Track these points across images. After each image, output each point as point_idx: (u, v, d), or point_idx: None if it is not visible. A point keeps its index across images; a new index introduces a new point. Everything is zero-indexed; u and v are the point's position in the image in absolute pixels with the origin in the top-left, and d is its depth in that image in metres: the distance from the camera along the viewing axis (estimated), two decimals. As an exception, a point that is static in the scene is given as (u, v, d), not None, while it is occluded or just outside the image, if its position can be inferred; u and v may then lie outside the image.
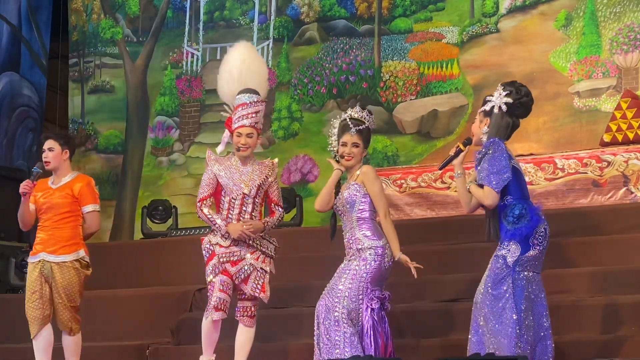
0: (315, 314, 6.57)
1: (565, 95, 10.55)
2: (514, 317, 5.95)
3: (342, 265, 6.61)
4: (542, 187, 9.09)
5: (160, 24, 12.62)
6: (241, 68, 7.39)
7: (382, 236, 6.58)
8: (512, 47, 10.90)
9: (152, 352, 8.43)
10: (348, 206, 6.58)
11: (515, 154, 9.51)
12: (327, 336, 6.45)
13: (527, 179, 8.88)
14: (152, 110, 12.46)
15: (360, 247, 6.52)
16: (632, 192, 8.77)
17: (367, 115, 6.73)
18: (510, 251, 6.03)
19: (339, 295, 6.47)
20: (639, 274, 7.37)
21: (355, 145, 6.64)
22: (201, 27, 12.46)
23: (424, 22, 11.43)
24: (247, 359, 7.16)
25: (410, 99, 11.37)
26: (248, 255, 7.09)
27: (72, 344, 7.63)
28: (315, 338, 6.58)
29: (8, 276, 10.31)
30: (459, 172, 6.28)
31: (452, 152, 6.29)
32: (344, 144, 6.64)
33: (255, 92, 7.21)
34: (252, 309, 7.15)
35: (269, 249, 7.20)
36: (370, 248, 6.51)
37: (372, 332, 6.43)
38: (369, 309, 6.45)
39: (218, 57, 12.22)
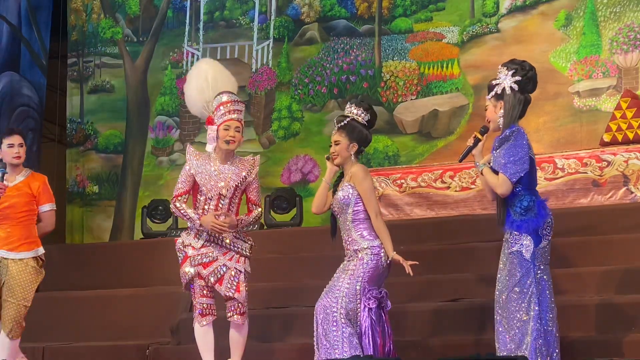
0: (315, 314, 6.57)
1: (565, 95, 10.55)
2: (537, 311, 5.97)
3: (342, 265, 6.61)
4: (542, 187, 9.06)
5: (161, 24, 12.62)
6: (215, 77, 7.34)
7: (377, 236, 6.57)
8: (513, 47, 10.89)
9: (152, 352, 8.42)
10: (343, 207, 6.57)
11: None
12: (326, 337, 6.45)
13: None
14: (153, 110, 12.46)
15: (357, 247, 6.52)
16: (632, 192, 8.77)
17: (356, 108, 6.67)
18: (524, 246, 6.01)
19: (337, 295, 6.47)
20: (639, 274, 7.37)
21: (336, 143, 6.63)
22: (201, 27, 12.46)
23: (424, 22, 11.43)
24: (242, 356, 7.14)
25: (411, 99, 11.36)
26: (221, 256, 7.04)
27: (8, 347, 7.51)
28: (315, 338, 6.57)
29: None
30: (480, 162, 6.21)
31: (470, 143, 6.22)
32: (331, 144, 6.67)
33: (233, 93, 7.19)
34: (240, 306, 7.08)
35: (243, 248, 7.11)
36: (367, 248, 6.50)
37: (370, 331, 6.44)
38: (367, 309, 6.45)
39: (218, 57, 12.22)
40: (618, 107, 9.38)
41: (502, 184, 6.01)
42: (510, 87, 6.09)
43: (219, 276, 7.01)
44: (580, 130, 10.36)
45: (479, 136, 6.19)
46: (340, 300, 6.45)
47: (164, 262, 9.73)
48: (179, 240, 7.14)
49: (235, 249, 7.07)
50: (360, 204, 6.56)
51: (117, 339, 8.84)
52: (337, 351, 6.38)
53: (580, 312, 7.13)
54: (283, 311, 8.05)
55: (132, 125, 12.55)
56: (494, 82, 6.16)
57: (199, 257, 7.03)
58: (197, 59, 12.37)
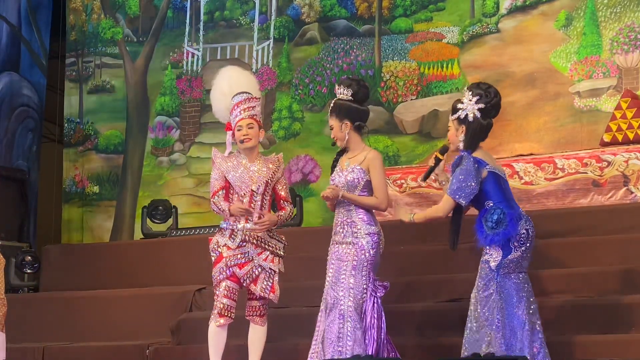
0: (324, 304, 6.56)
1: (565, 95, 10.54)
2: (498, 319, 6.04)
3: (336, 249, 6.56)
4: (542, 187, 9.08)
5: (161, 24, 12.62)
6: (231, 84, 7.37)
7: (377, 222, 6.57)
8: (513, 47, 10.89)
9: (152, 352, 8.43)
10: (349, 189, 6.55)
11: (516, 154, 9.61)
12: (330, 329, 6.46)
13: (527, 178, 8.97)
14: (153, 110, 12.46)
15: (355, 230, 6.51)
16: (632, 192, 8.76)
17: (339, 87, 6.69)
18: (492, 256, 6.13)
19: (343, 288, 6.45)
20: (638, 274, 7.37)
21: (330, 127, 6.69)
22: (201, 27, 12.46)
23: (425, 22, 11.42)
24: (260, 356, 7.19)
25: (411, 99, 11.36)
26: (256, 257, 7.08)
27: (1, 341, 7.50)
28: (316, 332, 6.59)
29: (8, 276, 10.29)
30: (442, 180, 6.43)
31: (431, 163, 6.40)
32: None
33: (247, 92, 7.22)
34: (261, 308, 7.17)
35: (278, 247, 7.17)
36: (367, 234, 6.49)
37: (376, 321, 6.43)
38: (373, 298, 6.45)
39: (218, 57, 12.23)
40: (618, 107, 9.37)
41: (443, 207, 6.21)
42: (474, 113, 6.18)
43: (254, 277, 7.06)
44: (580, 130, 10.36)
45: (440, 156, 6.37)
46: (348, 294, 6.44)
47: (164, 262, 9.75)
48: (214, 239, 7.17)
49: (270, 248, 7.11)
50: (367, 189, 6.55)
51: (117, 339, 8.85)
52: (340, 344, 6.38)
53: (580, 312, 7.13)
54: (283, 311, 8.04)
55: (132, 125, 12.56)
56: (458, 105, 6.26)
57: (235, 258, 7.05)
58: (197, 59, 12.39)
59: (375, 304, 6.47)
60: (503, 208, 6.12)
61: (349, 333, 6.41)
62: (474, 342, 6.14)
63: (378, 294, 6.49)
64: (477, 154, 6.19)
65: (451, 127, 6.31)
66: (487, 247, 6.15)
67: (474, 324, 6.16)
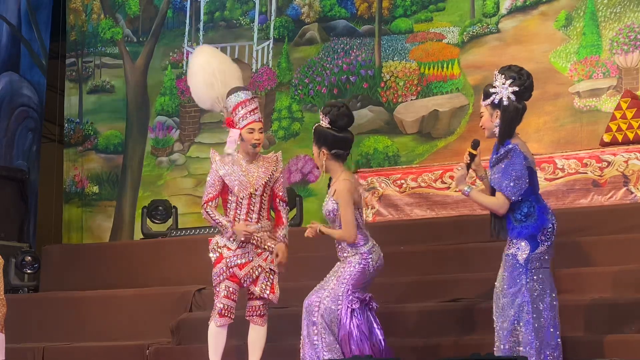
0: (303, 310, 6.58)
1: (565, 96, 10.55)
2: (531, 316, 6.00)
3: (336, 266, 6.60)
4: (542, 187, 8.96)
5: (161, 24, 12.62)
6: (222, 70, 7.35)
7: (367, 241, 6.54)
8: (513, 48, 10.89)
9: (152, 352, 8.43)
10: (329, 219, 6.56)
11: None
12: (308, 336, 6.47)
13: (527, 179, 8.96)
14: (152, 110, 12.46)
15: (346, 254, 6.52)
16: (632, 192, 8.76)
17: (323, 115, 6.56)
18: (520, 249, 6.05)
19: (320, 295, 6.48)
20: (639, 274, 7.37)
21: (313, 153, 6.65)
22: (201, 27, 12.46)
23: (425, 22, 11.42)
24: (260, 357, 7.20)
25: (411, 99, 11.36)
26: (256, 257, 7.09)
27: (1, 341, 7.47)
28: (301, 338, 6.60)
29: (8, 276, 10.29)
30: (481, 174, 6.28)
31: (466, 160, 6.19)
32: None
33: (247, 89, 7.22)
34: (262, 308, 7.19)
35: None
36: (355, 254, 6.49)
37: (357, 332, 6.41)
38: (349, 310, 6.42)
39: (218, 57, 12.21)
40: (618, 107, 9.36)
41: (502, 205, 6.05)
42: (508, 97, 6.08)
43: (254, 277, 7.08)
44: (580, 130, 10.36)
45: (473, 152, 6.18)
46: (323, 300, 6.45)
47: (164, 262, 9.75)
48: (214, 240, 7.18)
49: (270, 248, 7.12)
50: None
51: (117, 339, 8.86)
52: (317, 351, 6.39)
53: (580, 312, 7.13)
54: (283, 311, 8.04)
55: (132, 126, 12.56)
56: (490, 90, 6.12)
57: (235, 258, 7.07)
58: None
59: (355, 317, 6.44)
60: (532, 201, 6.07)
61: (324, 342, 6.41)
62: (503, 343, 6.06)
63: (354, 306, 6.45)
64: (518, 144, 6.07)
65: (484, 112, 6.14)
66: (514, 241, 6.07)
67: (503, 325, 6.07)
